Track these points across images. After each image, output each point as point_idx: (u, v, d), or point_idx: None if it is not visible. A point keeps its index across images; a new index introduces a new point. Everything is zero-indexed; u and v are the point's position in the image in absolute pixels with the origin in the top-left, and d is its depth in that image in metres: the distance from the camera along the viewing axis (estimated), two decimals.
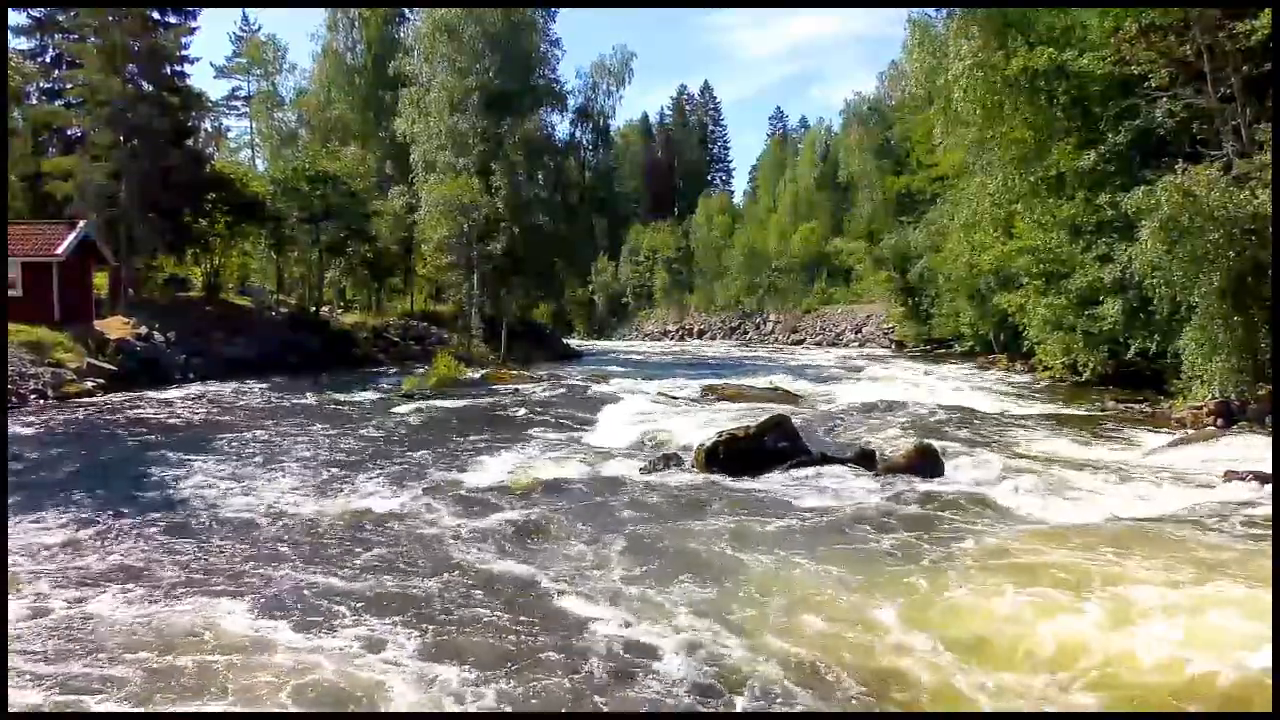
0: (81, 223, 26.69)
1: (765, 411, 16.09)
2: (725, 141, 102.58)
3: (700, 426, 16.09)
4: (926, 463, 12.01)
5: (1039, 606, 6.82)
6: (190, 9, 33.39)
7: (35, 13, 35.40)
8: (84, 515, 9.77)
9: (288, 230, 37.10)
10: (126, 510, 10.00)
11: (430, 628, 6.62)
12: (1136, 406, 20.00)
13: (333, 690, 5.66)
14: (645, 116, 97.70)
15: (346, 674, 5.86)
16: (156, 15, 31.91)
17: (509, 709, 5.49)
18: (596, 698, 5.62)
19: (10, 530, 8.81)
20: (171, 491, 11.22)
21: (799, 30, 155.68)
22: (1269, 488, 10.46)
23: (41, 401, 19.43)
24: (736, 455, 12.30)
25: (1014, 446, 14.66)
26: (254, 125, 55.54)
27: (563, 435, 16.43)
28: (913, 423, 17.30)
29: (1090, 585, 7.17)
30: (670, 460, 12.83)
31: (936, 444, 12.99)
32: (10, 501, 9.96)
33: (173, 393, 22.20)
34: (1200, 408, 16.91)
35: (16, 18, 34.75)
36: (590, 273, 72.88)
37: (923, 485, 11.24)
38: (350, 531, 9.31)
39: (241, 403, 20.82)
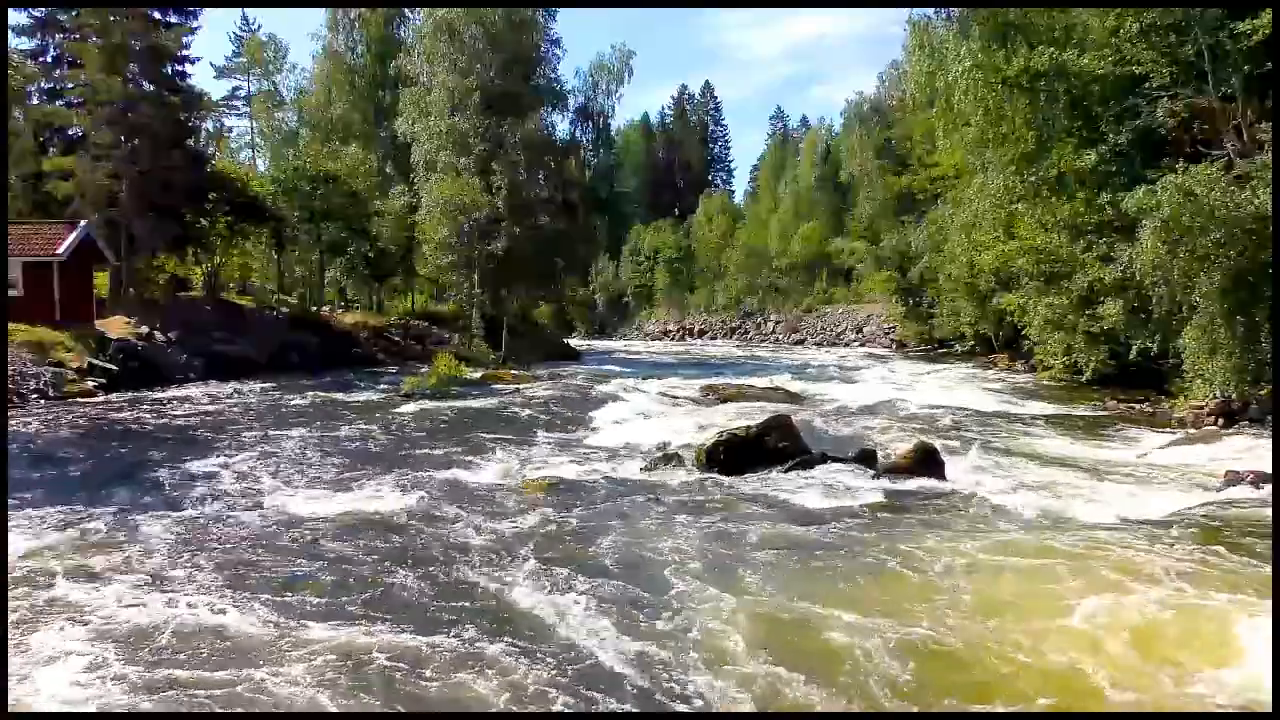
0: (82, 223, 26.73)
1: (766, 411, 16.11)
2: (726, 141, 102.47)
3: (701, 426, 16.12)
4: (927, 463, 12.01)
5: (1039, 607, 6.84)
6: (191, 9, 33.41)
7: (36, 12, 35.46)
8: (85, 515, 9.76)
9: (289, 230, 37.12)
10: (128, 510, 10.00)
11: (432, 627, 6.63)
12: (1137, 406, 20.03)
13: (333, 689, 5.67)
14: (646, 116, 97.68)
15: (348, 672, 5.87)
16: (157, 15, 31.90)
17: (508, 708, 5.50)
18: (595, 696, 5.62)
19: (11, 530, 8.81)
20: (172, 491, 11.22)
21: (799, 30, 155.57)
22: (1269, 487, 10.46)
23: (42, 401, 19.44)
24: (737, 455, 12.32)
25: (1015, 446, 14.69)
26: (254, 125, 55.70)
27: (563, 435, 16.45)
28: (913, 422, 17.34)
29: (1090, 585, 7.18)
30: (671, 460, 12.84)
31: (937, 444, 13.00)
32: (11, 501, 9.97)
33: (173, 392, 22.22)
34: (1201, 407, 16.95)
35: (17, 17, 34.83)
36: (591, 272, 72.77)
37: (924, 485, 11.26)
38: (351, 531, 9.30)
39: (242, 403, 20.82)
